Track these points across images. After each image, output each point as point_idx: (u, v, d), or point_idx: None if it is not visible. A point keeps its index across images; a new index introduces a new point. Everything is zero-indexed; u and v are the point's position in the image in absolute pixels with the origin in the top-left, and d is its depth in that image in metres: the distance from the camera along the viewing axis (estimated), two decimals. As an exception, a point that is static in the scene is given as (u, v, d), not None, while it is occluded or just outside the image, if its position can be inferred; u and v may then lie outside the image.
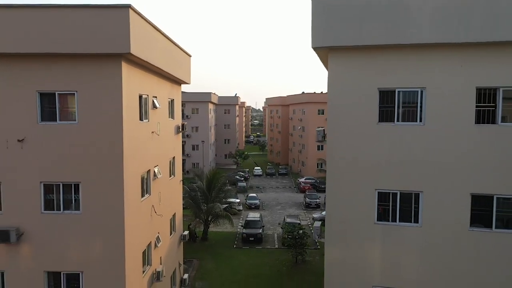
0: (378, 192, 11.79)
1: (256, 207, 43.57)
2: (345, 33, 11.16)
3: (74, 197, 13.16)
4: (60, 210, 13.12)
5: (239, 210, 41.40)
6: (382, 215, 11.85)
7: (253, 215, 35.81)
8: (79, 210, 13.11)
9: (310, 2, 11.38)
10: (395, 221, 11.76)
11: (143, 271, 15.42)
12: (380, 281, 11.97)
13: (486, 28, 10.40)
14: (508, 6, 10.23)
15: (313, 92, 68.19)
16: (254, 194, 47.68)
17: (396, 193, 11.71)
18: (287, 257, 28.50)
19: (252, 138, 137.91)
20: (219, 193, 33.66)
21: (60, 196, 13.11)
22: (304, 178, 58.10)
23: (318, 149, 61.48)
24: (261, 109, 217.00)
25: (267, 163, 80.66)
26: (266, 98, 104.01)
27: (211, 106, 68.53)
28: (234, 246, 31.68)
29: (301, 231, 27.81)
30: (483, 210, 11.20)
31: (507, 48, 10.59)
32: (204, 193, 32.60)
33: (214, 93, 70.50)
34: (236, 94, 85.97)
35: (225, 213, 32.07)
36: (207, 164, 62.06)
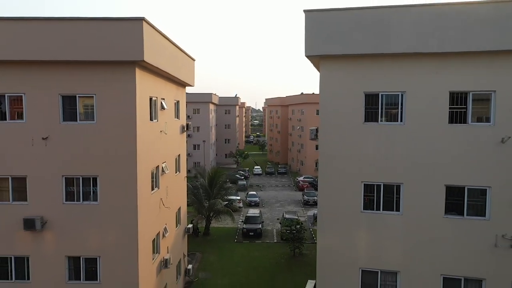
0: (364, 184, 13.28)
1: (256, 205, 45.01)
2: (333, 44, 12.64)
3: (92, 189, 14.63)
4: (79, 201, 14.60)
5: (240, 207, 42.84)
6: (368, 205, 13.32)
7: (253, 211, 37.28)
8: (97, 201, 14.58)
9: (304, 15, 12.86)
10: (379, 210, 13.24)
11: (153, 258, 16.89)
12: (366, 263, 13.45)
13: (457, 40, 11.87)
14: (475, 20, 11.70)
15: (311, 93, 69.62)
16: (254, 192, 49.12)
17: (380, 185, 13.19)
18: (286, 251, 29.97)
19: (252, 138, 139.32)
20: (220, 190, 35.13)
21: (80, 188, 14.59)
22: (302, 177, 59.51)
23: (317, 148, 62.37)
24: (261, 109, 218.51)
25: (266, 163, 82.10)
26: (265, 99, 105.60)
27: (212, 106, 69.96)
28: (235, 240, 33.15)
29: (298, 226, 29.28)
30: (456, 200, 12.68)
31: (475, 57, 12.06)
32: (206, 190, 34.08)
33: (215, 94, 71.94)
34: (236, 94, 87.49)
35: (226, 209, 33.56)
36: (208, 163, 63.51)
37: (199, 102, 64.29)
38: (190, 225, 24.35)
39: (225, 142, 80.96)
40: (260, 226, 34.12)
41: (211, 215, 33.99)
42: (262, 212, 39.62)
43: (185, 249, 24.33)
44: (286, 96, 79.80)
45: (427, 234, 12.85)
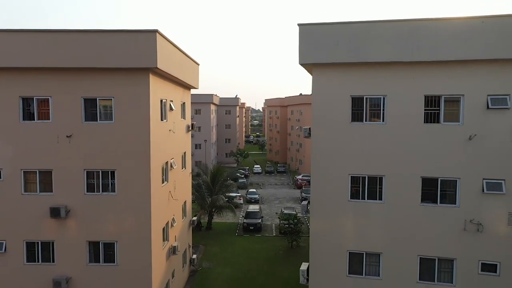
0: (351, 176, 15.10)
1: (255, 201, 46.82)
2: (323, 53, 14.47)
3: (111, 181, 16.45)
4: (99, 192, 16.42)
5: (240, 204, 44.68)
6: (354, 194, 15.15)
7: (253, 207, 39.15)
8: (115, 192, 16.40)
9: (298, 29, 14.69)
10: (364, 199, 15.06)
11: (163, 245, 18.71)
12: (353, 246, 15.27)
13: (429, 51, 13.70)
14: (445, 34, 13.52)
15: (310, 93, 71.31)
16: (254, 190, 50.97)
17: (365, 177, 15.01)
18: (284, 243, 31.80)
19: (251, 138, 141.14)
20: (222, 187, 36.97)
21: (99, 181, 16.41)
22: (301, 176, 61.32)
23: (315, 148, 64.57)
24: (261, 110, 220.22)
25: (266, 162, 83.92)
26: (265, 99, 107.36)
27: (213, 107, 71.77)
28: (236, 234, 34.98)
29: (296, 220, 31.11)
30: (430, 190, 14.50)
31: (446, 65, 13.89)
32: (209, 187, 35.90)
33: (216, 95, 73.74)
34: (236, 95, 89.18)
35: (228, 204, 35.39)
36: (209, 162, 65.29)
37: (200, 103, 66.05)
38: (194, 218, 26.20)
39: (226, 142, 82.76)
40: (260, 220, 35.94)
41: (213, 210, 35.81)
42: (261, 208, 41.45)
43: (190, 240, 26.16)
44: (285, 97, 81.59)
45: (406, 220, 14.67)
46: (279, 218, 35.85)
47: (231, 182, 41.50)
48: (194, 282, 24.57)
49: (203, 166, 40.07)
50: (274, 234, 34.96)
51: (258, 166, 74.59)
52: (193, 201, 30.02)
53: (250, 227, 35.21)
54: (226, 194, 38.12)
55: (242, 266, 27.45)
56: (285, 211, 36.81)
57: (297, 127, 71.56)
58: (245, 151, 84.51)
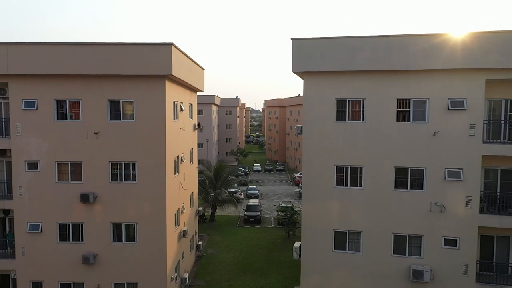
0: (336, 167, 17.85)
1: (255, 197, 49.62)
2: (313, 63, 17.24)
3: (132, 172, 19.21)
4: (122, 181, 19.17)
5: (241, 199, 47.50)
6: (339, 182, 17.89)
7: (253, 201, 41.99)
8: (135, 181, 19.15)
9: (291, 42, 17.48)
10: (347, 186, 17.80)
11: (175, 228, 21.49)
12: (338, 226, 18.02)
13: (401, 62, 16.47)
14: (413, 48, 16.30)
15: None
16: (254, 186, 53.79)
17: (348, 167, 17.76)
18: (281, 233, 34.60)
19: (251, 138, 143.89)
20: (224, 182, 39.77)
21: (122, 171, 19.18)
22: (299, 173, 64.02)
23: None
24: (260, 110, 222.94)
25: (265, 161, 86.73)
26: (264, 100, 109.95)
27: (214, 107, 74.54)
28: (237, 225, 37.78)
29: (292, 211, 33.90)
30: (402, 178, 17.24)
31: (414, 73, 16.64)
32: (212, 182, 38.70)
33: (217, 96, 76.50)
34: (237, 96, 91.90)
35: (230, 198, 38.19)
36: (211, 160, 68.03)
37: (202, 103, 68.66)
38: (200, 208, 28.98)
39: (227, 141, 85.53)
40: (259, 213, 38.75)
41: (216, 204, 38.58)
42: (261, 202, 44.23)
43: (196, 228, 28.94)
44: (284, 98, 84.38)
45: (382, 203, 17.43)
46: (277, 210, 38.64)
47: (233, 177, 44.28)
48: (201, 265, 27.36)
49: (207, 162, 42.88)
50: (272, 226, 37.75)
51: (258, 164, 77.39)
52: (197, 195, 32.73)
53: (251, 219, 37.99)
54: (228, 190, 40.90)
55: (243, 252, 30.23)
56: (283, 205, 39.60)
57: (295, 127, 74.23)
58: (245, 150, 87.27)
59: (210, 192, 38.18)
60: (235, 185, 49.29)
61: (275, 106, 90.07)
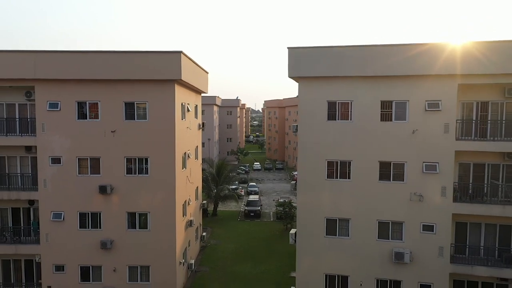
0: (327, 161, 20.03)
1: (255, 193, 51.84)
2: (307, 69, 19.43)
3: (145, 166, 21.42)
4: (136, 174, 21.38)
5: (241, 195, 49.73)
6: (330, 175, 20.08)
7: (253, 197, 44.25)
8: (148, 174, 21.37)
9: (287, 51, 19.69)
10: (337, 178, 19.98)
11: (183, 218, 23.69)
12: (329, 214, 20.20)
13: (383, 68, 18.66)
14: (394, 56, 18.50)
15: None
16: (254, 183, 56.01)
17: (338, 161, 19.95)
18: (280, 227, 36.81)
19: (251, 138, 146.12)
20: (226, 178, 42.01)
21: (136, 165, 21.39)
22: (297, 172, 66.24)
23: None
24: (260, 110, 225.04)
25: (265, 160, 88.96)
26: (264, 101, 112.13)
27: (215, 108, 76.74)
28: (238, 219, 40.00)
29: (290, 206, 36.11)
30: (385, 171, 19.42)
31: (396, 78, 18.83)
32: (214, 178, 40.93)
33: (218, 97, 78.72)
34: (237, 97, 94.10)
35: (232, 193, 40.42)
36: (213, 159, 70.28)
37: (204, 104, 70.33)
38: (204, 201, 31.19)
39: (227, 141, 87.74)
40: (259, 208, 40.98)
41: (218, 199, 40.80)
42: (261, 199, 46.44)
43: (201, 220, 31.15)
44: (283, 99, 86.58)
45: (368, 193, 19.61)
46: (276, 205, 40.87)
47: (234, 174, 46.53)
48: (205, 254, 29.59)
49: (209, 160, 45.09)
50: (271, 220, 39.99)
51: (258, 163, 79.63)
52: (201, 190, 34.95)
53: (251, 214, 40.23)
54: (230, 187, 43.10)
55: (244, 243, 32.45)
56: (281, 200, 41.82)
57: (292, 126, 76.41)
58: (245, 150, 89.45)
59: (212, 188, 40.39)
60: (236, 182, 51.52)
61: (275, 107, 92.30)
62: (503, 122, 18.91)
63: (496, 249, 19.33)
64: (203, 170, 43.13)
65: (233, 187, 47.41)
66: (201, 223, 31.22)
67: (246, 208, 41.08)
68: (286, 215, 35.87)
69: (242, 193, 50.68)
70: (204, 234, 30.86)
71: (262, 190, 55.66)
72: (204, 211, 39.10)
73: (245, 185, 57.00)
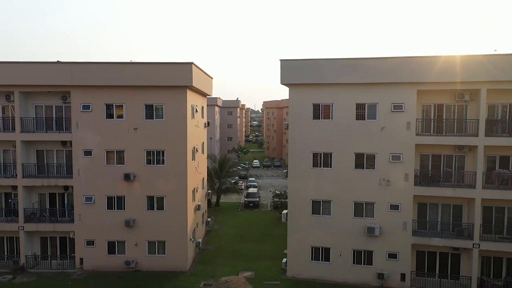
0: (312, 153, 24.35)
1: (254, 187, 56.14)
2: (296, 78, 23.77)
3: (161, 157, 25.70)
4: (154, 164, 25.65)
5: (241, 189, 54.06)
6: (315, 164, 24.36)
7: (253, 190, 48.60)
8: (164, 164, 25.64)
9: (280, 63, 23.99)
10: (321, 167, 24.28)
11: (192, 202, 27.98)
12: (314, 196, 24.49)
13: (358, 77, 22.98)
14: (369, 68, 22.81)
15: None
16: (253, 178, 60.35)
17: (321, 153, 24.25)
18: (276, 215, 41.06)
19: (251, 137, 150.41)
20: (228, 173, 46.32)
21: (154, 157, 25.66)
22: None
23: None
24: (260, 111, 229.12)
25: (264, 158, 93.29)
26: (263, 102, 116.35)
27: (217, 108, 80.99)
28: (239, 209, 44.30)
29: (285, 196, 40.40)
30: (360, 160, 23.71)
31: (368, 85, 23.12)
32: (217, 172, 45.22)
33: (219, 98, 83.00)
34: (237, 98, 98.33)
35: (234, 186, 44.74)
36: (215, 155, 74.54)
37: (206, 105, 75.15)
38: (209, 191, 35.51)
39: (228, 140, 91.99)
40: (257, 199, 45.32)
41: (220, 191, 45.09)
42: (259, 192, 50.76)
43: (206, 207, 35.44)
44: (281, 100, 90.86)
45: (346, 179, 23.92)
46: (273, 196, 45.21)
47: (235, 169, 50.85)
48: (210, 236, 33.90)
49: (212, 156, 49.40)
50: (268, 209, 44.29)
51: (257, 161, 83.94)
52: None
53: (250, 204, 44.54)
54: (231, 181, 47.42)
55: (244, 228, 36.73)
56: (277, 192, 46.18)
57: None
58: (245, 148, 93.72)
59: (215, 182, 44.68)
60: (237, 177, 55.83)
61: (273, 107, 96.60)
62: (455, 120, 23.26)
63: (450, 224, 23.69)
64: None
65: (234, 181, 51.71)
66: (206, 210, 35.49)
67: (246, 199, 45.40)
68: (282, 204, 40.14)
69: (242, 187, 55.00)
70: (209, 219, 35.14)
71: (261, 185, 59.94)
72: (208, 202, 43.33)
73: (245, 180, 61.32)
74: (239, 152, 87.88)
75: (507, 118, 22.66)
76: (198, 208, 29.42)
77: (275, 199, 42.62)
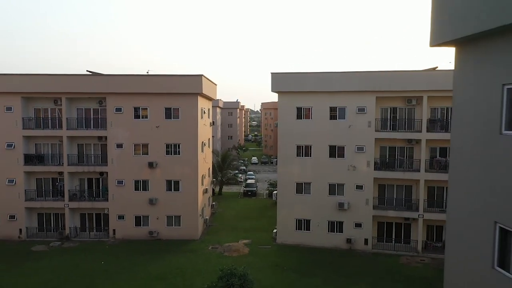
0: (296, 145, 31.17)
1: (252, 179, 62.95)
2: (283, 87, 30.60)
3: (178, 149, 32.50)
4: (172, 155, 32.46)
5: (241, 181, 60.93)
6: (298, 154, 31.17)
7: (251, 181, 55.49)
8: (180, 155, 32.46)
9: (270, 75, 30.81)
10: (303, 156, 31.08)
11: (201, 186, 34.79)
12: (298, 179, 31.27)
13: (332, 86, 29.80)
14: (341, 80, 29.62)
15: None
16: (251, 172, 67.18)
17: (303, 145, 31.05)
18: (270, 201, 47.84)
19: (250, 136, 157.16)
20: (229, 166, 53.17)
21: (172, 149, 32.48)
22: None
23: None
24: (259, 111, 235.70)
25: (262, 155, 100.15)
26: (261, 103, 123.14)
27: (218, 109, 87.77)
28: (239, 197, 51.14)
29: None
30: (333, 151, 30.54)
31: (340, 92, 29.91)
32: (219, 165, 52.06)
33: (220, 99, 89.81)
34: (237, 99, 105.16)
35: (235, 177, 51.64)
36: (218, 151, 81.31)
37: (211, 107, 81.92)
38: (214, 179, 42.37)
39: (228, 139, 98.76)
40: (255, 188, 52.22)
41: (223, 182, 51.90)
42: (257, 184, 57.70)
43: (211, 193, 42.28)
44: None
45: (322, 165, 30.72)
46: (268, 185, 52.00)
47: (236, 163, 57.71)
48: (214, 216, 40.76)
49: (216, 151, 56.26)
50: (264, 197, 51.17)
51: (255, 158, 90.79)
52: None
53: (248, 193, 51.42)
54: (232, 173, 54.30)
55: (243, 211, 43.57)
56: (272, 182, 53.08)
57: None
58: (244, 146, 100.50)
59: (218, 174, 51.52)
60: (237, 171, 62.64)
61: (271, 108, 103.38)
62: (405, 120, 30.12)
63: (403, 200, 30.55)
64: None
65: (235, 173, 58.55)
66: (211, 196, 42.32)
67: (244, 189, 52.26)
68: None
69: (242, 179, 61.87)
70: (214, 203, 42.01)
71: (258, 179, 66.69)
72: (212, 191, 50.14)
73: (244, 174, 68.14)
74: (239, 149, 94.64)
75: (445, 118, 29.51)
76: (205, 191, 36.25)
77: (270, 188, 49.42)
